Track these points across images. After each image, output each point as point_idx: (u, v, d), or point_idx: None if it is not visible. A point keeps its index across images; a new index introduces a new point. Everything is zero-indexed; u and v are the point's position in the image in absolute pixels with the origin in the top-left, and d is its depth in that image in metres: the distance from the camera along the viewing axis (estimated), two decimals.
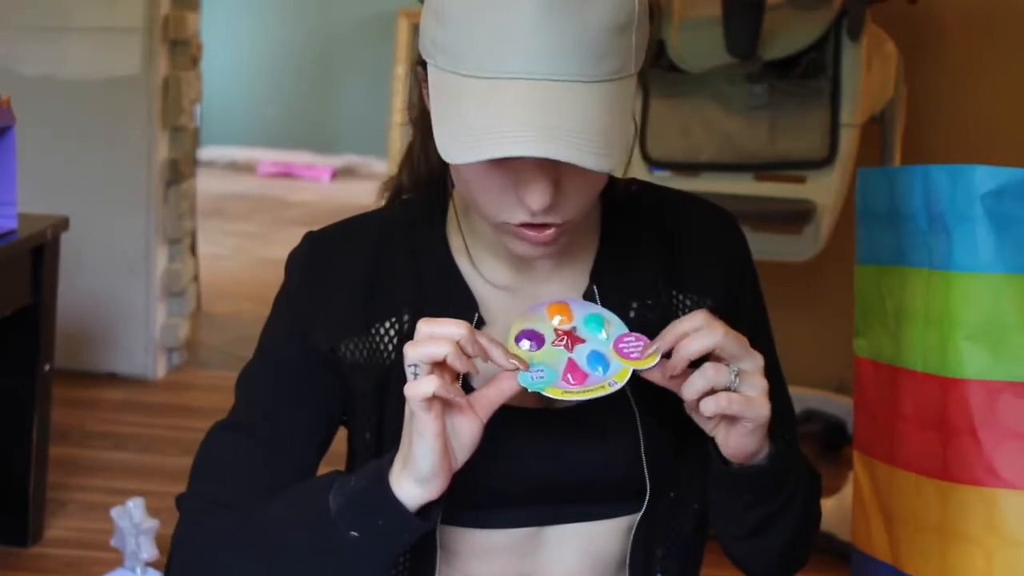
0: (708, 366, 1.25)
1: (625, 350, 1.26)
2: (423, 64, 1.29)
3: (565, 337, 1.28)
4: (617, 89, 1.22)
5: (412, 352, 1.21)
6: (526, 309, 1.31)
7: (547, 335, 1.28)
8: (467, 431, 1.24)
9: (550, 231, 1.28)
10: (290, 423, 1.39)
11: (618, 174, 1.34)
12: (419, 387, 1.20)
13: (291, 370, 1.40)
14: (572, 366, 1.25)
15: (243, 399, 1.42)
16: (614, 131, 1.21)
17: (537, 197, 1.24)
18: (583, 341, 1.27)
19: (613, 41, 1.21)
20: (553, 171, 1.24)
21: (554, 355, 1.26)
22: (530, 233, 1.28)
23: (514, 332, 1.28)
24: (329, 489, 1.28)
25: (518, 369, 1.24)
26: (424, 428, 1.22)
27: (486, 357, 1.23)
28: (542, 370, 1.24)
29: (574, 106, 1.19)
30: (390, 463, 1.26)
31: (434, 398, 1.21)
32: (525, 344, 1.27)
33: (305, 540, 1.28)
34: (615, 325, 1.29)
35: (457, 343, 1.21)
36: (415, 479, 1.24)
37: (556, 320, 1.29)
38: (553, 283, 1.40)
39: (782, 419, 1.48)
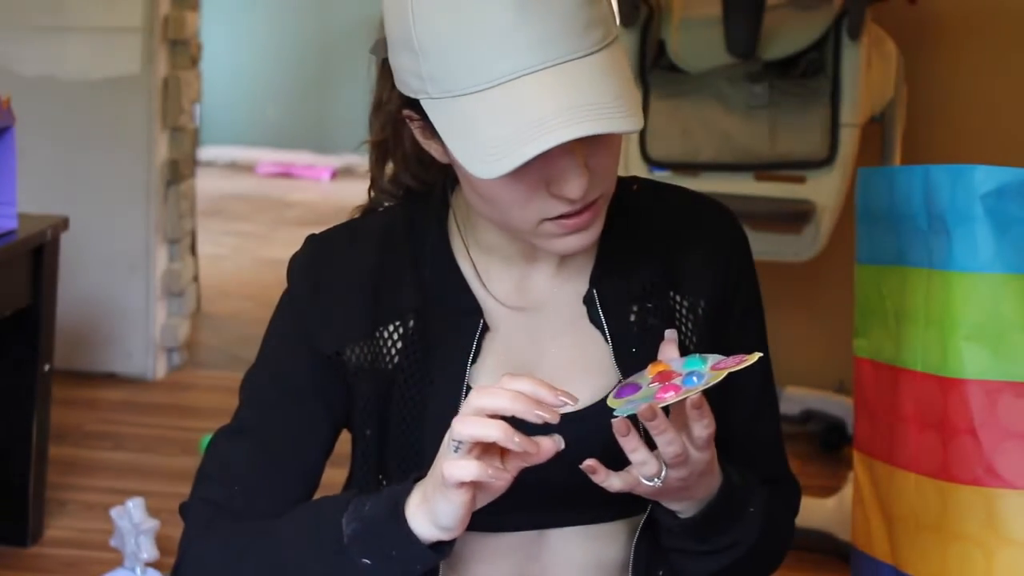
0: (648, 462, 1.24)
1: (721, 365, 1.24)
2: (408, 104, 1.29)
3: (661, 379, 1.27)
4: (611, 55, 1.23)
5: (459, 429, 1.18)
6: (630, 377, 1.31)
7: (643, 383, 1.28)
8: (497, 489, 1.23)
9: (590, 209, 1.28)
10: (294, 427, 1.39)
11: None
12: (456, 471, 1.18)
13: (294, 374, 1.39)
14: (666, 387, 1.23)
15: (247, 404, 1.42)
16: (626, 93, 1.22)
17: (575, 184, 1.24)
18: (680, 375, 1.26)
19: (590, 11, 1.22)
20: (580, 153, 1.24)
21: (650, 391, 1.25)
22: (571, 221, 1.27)
23: (613, 391, 1.28)
24: (343, 512, 1.27)
25: (566, 404, 1.21)
26: (453, 498, 1.20)
27: (552, 415, 1.19)
28: (636, 403, 1.23)
29: (583, 82, 1.20)
30: (408, 492, 1.24)
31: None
32: (624, 394, 1.27)
33: (315, 562, 1.28)
34: (713, 358, 1.27)
35: (506, 427, 1.17)
36: (434, 524, 1.23)
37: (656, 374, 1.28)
38: (555, 287, 1.39)
39: (770, 420, 1.48)
